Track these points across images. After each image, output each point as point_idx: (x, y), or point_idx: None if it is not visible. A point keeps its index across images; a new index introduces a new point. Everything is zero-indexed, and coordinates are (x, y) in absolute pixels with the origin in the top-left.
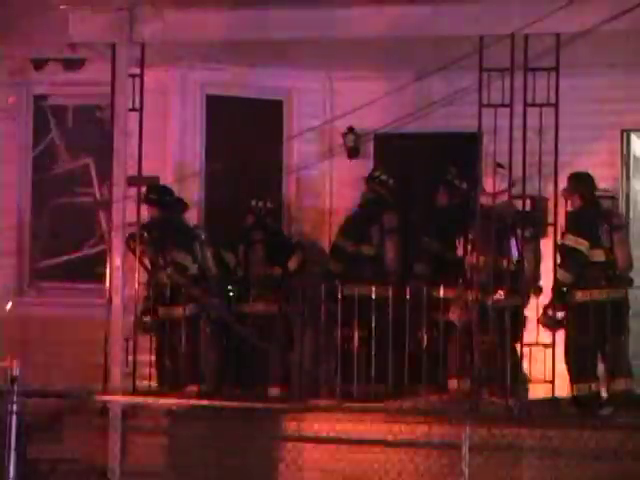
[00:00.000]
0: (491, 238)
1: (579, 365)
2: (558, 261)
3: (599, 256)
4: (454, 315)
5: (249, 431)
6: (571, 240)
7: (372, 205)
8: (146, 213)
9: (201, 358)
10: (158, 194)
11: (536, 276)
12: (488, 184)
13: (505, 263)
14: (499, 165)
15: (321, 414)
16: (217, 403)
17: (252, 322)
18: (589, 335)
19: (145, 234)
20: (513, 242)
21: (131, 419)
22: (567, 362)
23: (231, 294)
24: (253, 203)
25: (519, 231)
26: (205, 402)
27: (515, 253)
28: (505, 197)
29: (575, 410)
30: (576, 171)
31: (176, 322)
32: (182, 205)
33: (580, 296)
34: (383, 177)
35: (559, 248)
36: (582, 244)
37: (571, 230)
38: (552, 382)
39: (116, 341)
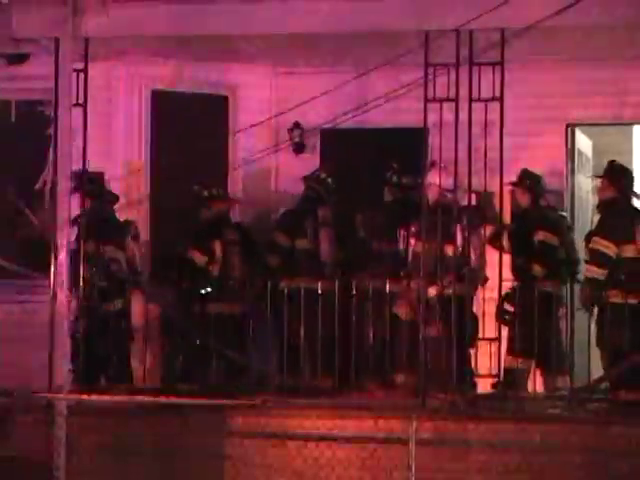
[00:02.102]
0: (436, 230)
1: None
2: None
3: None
4: (400, 309)
5: (196, 428)
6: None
7: (307, 201)
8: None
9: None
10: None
11: (481, 266)
12: (434, 178)
13: (450, 253)
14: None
15: (269, 410)
16: (162, 400)
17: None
18: None
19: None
20: (458, 234)
21: (77, 417)
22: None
23: (203, 291)
24: (206, 194)
25: (463, 223)
26: (150, 399)
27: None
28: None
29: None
30: (527, 169)
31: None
32: (111, 197)
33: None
34: (322, 175)
35: (537, 244)
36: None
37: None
38: (498, 376)
39: (61, 338)
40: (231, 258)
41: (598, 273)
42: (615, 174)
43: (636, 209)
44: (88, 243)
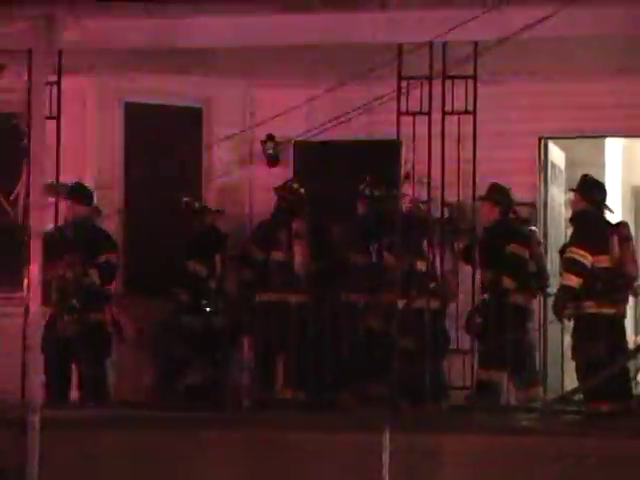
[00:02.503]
0: (410, 242)
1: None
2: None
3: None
4: (372, 321)
5: (168, 441)
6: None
7: (281, 213)
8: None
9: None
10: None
11: (452, 280)
12: (407, 190)
13: (423, 267)
14: None
15: (242, 422)
16: (137, 413)
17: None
18: None
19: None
20: (430, 247)
21: (50, 430)
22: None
23: (208, 308)
24: (197, 205)
25: (437, 236)
26: (124, 412)
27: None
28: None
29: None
30: (495, 182)
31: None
32: (97, 212)
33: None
34: (294, 186)
35: (507, 256)
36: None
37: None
38: (471, 388)
39: (33, 351)
40: (228, 271)
41: (574, 282)
42: (587, 188)
43: (608, 221)
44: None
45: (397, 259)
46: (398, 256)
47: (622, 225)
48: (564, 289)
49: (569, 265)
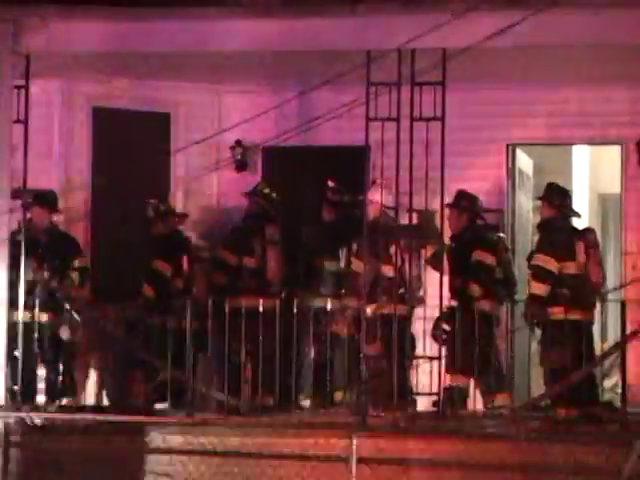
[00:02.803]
0: (376, 248)
1: None
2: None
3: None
4: (339, 327)
5: (134, 445)
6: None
7: (254, 218)
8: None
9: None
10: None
11: (419, 286)
12: (375, 195)
13: (390, 272)
14: None
15: (209, 428)
16: (100, 417)
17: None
18: None
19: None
20: (398, 253)
21: (14, 435)
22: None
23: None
24: (163, 208)
25: (403, 243)
26: (89, 416)
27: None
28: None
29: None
30: (463, 189)
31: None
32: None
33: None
34: (266, 190)
35: (473, 263)
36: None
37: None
38: (438, 394)
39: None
40: (195, 273)
41: (541, 289)
42: (553, 195)
43: (575, 228)
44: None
45: (366, 264)
46: (367, 260)
47: (588, 232)
48: (531, 297)
49: (535, 273)
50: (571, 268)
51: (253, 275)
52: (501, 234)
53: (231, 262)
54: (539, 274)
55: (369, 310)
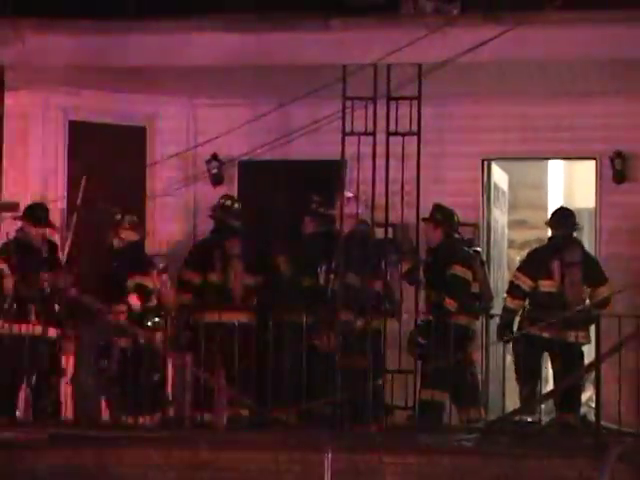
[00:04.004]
0: (353, 262)
1: None
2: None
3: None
4: (318, 340)
5: (106, 460)
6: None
7: (215, 232)
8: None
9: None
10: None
11: (397, 300)
12: (351, 209)
13: (377, 286)
14: None
15: (182, 442)
16: (76, 432)
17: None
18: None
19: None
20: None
21: None
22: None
23: (150, 323)
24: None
25: (380, 257)
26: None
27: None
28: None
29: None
30: (439, 203)
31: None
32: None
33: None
34: (227, 203)
35: (449, 278)
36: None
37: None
38: (413, 408)
39: None
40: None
41: (513, 304)
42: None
43: (557, 247)
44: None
45: (340, 278)
46: (340, 275)
47: (567, 251)
48: (504, 310)
49: (509, 288)
50: (549, 286)
51: (217, 290)
52: (477, 248)
53: (194, 281)
54: (511, 290)
55: (359, 324)
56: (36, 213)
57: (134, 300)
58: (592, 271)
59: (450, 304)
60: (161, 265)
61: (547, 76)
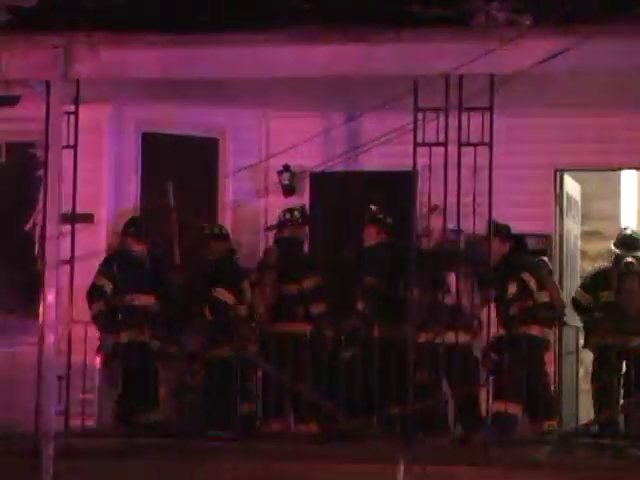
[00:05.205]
0: (430, 275)
1: None
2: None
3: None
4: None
5: (187, 471)
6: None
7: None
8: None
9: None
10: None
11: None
12: (437, 222)
13: (444, 300)
14: None
15: (254, 455)
16: (154, 442)
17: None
18: None
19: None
20: (453, 280)
21: (64, 460)
22: None
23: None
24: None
25: (459, 269)
26: (141, 441)
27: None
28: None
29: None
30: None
31: None
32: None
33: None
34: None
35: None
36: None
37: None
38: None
39: (48, 380)
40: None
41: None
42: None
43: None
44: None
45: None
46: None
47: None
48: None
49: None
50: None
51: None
52: (544, 257)
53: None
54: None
55: (423, 337)
56: (139, 227)
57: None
58: None
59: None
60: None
61: (620, 86)
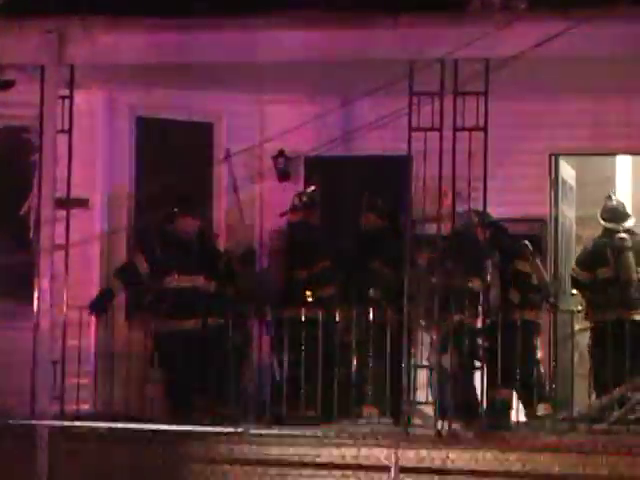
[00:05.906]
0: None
1: None
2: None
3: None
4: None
5: (180, 455)
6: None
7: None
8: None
9: None
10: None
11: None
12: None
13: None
14: None
15: (252, 438)
16: (146, 426)
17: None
18: None
19: None
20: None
21: (58, 444)
22: None
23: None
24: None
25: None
26: (134, 426)
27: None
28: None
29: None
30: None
31: None
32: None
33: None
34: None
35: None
36: None
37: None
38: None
39: (42, 364)
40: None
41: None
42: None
43: None
44: None
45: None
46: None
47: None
48: None
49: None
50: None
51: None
52: (525, 241)
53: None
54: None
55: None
56: (192, 204)
57: None
58: None
59: (514, 297)
60: None
61: (616, 72)
